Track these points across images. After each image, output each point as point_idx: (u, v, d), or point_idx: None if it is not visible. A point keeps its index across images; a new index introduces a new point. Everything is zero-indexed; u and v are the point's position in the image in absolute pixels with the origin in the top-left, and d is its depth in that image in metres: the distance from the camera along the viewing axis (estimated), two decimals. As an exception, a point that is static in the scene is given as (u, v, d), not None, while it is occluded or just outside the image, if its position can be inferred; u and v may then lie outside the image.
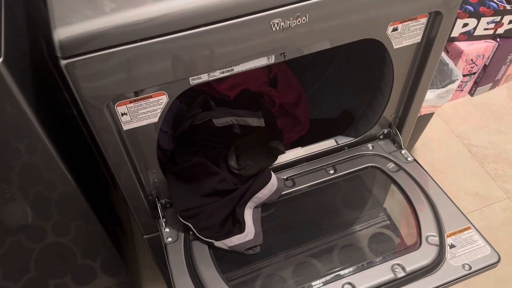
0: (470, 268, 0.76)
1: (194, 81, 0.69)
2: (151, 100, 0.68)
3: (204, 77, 0.69)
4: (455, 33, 1.52)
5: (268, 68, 1.12)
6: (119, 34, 0.57)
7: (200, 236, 0.82)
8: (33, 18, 0.84)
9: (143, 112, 0.69)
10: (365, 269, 0.78)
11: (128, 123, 0.70)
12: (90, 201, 0.85)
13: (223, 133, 0.96)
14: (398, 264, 0.77)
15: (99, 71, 0.60)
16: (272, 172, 0.90)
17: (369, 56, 0.92)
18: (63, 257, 0.95)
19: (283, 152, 0.94)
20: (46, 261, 0.93)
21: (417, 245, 0.80)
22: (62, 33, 0.55)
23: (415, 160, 0.95)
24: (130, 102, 0.67)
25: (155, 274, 1.31)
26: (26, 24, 0.76)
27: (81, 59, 0.57)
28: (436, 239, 0.80)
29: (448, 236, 0.80)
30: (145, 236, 0.95)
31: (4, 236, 0.82)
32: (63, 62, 0.57)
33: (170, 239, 0.84)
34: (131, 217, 1.40)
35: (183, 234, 0.84)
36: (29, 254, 0.89)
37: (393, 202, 0.95)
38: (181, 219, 0.84)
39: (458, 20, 1.48)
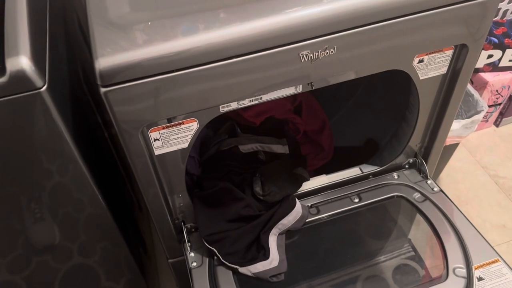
0: (499, 302, 0.75)
1: (224, 108, 0.71)
2: (182, 126, 0.70)
3: (234, 105, 0.71)
4: (479, 64, 1.52)
5: (293, 96, 1.14)
6: (155, 65, 0.60)
7: (225, 262, 0.83)
8: (72, 47, 0.88)
9: (175, 138, 0.71)
10: (390, 301, 0.77)
11: (159, 148, 0.72)
12: (117, 223, 0.87)
13: (249, 159, 0.98)
14: (425, 297, 0.76)
15: (136, 99, 0.63)
16: (296, 199, 0.91)
17: (395, 85, 0.93)
18: (88, 278, 0.96)
19: (308, 179, 0.95)
20: (71, 282, 0.94)
21: (444, 277, 0.79)
22: (102, 63, 0.58)
23: (441, 190, 0.94)
24: (163, 128, 0.69)
25: (177, 298, 1.31)
26: (66, 53, 0.80)
27: (120, 87, 0.60)
28: (463, 271, 0.79)
29: (476, 269, 0.79)
30: (169, 260, 0.96)
31: (31, 256, 0.84)
32: (103, 90, 0.60)
33: (195, 264, 0.84)
34: (155, 240, 1.41)
35: (207, 259, 0.85)
36: (54, 274, 0.90)
37: (418, 233, 0.94)
38: (206, 244, 0.84)
39: (483, 51, 1.48)
